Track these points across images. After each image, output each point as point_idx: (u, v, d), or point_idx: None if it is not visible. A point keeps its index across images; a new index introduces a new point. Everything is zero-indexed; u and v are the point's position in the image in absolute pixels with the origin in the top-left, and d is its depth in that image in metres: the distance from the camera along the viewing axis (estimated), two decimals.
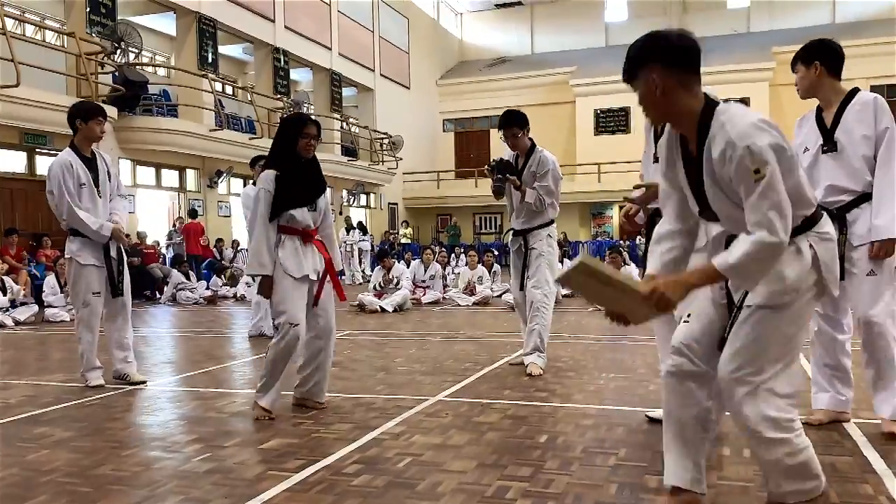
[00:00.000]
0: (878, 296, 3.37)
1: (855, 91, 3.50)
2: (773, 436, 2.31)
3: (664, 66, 2.26)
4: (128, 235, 5.66)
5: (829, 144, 3.49)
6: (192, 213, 16.25)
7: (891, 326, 3.36)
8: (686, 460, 2.48)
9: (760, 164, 2.15)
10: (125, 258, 5.32)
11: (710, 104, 2.30)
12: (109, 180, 5.19)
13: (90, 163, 5.10)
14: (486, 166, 5.56)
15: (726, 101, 2.36)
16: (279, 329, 4.08)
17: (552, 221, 5.52)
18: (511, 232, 5.65)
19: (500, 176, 5.35)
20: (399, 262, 12.76)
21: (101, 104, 5.61)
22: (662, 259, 2.51)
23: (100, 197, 5.09)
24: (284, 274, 4.09)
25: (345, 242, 19.54)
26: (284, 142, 4.18)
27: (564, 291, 11.54)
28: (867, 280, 3.38)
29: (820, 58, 3.50)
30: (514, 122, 5.33)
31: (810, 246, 2.32)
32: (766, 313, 2.31)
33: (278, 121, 19.94)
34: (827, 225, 2.39)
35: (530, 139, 5.45)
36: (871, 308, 3.35)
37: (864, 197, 3.41)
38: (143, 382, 5.15)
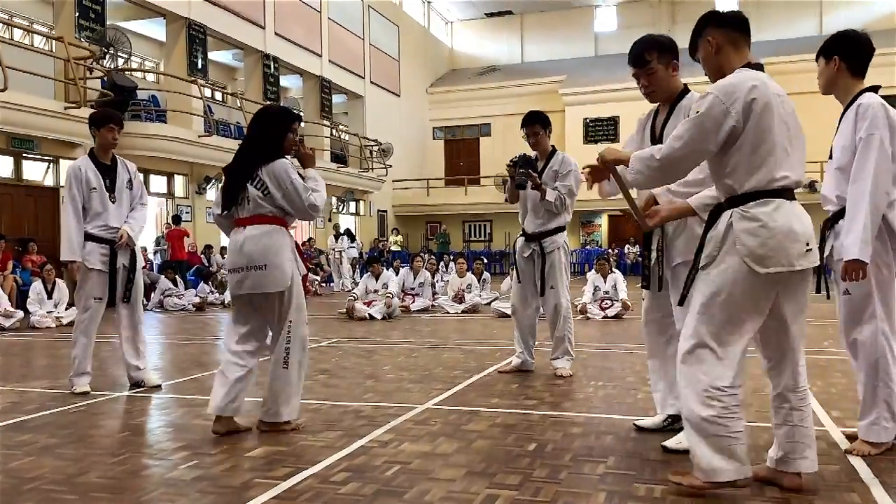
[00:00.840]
0: (857, 316, 3.20)
1: (861, 93, 3.21)
2: (698, 402, 2.63)
3: (716, 26, 2.80)
4: (144, 249, 5.73)
5: (831, 151, 3.31)
6: (176, 220, 16.12)
7: (875, 347, 3.16)
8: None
9: (699, 108, 2.63)
10: (137, 266, 5.32)
11: (747, 65, 2.74)
12: (130, 189, 5.28)
13: (107, 169, 5.18)
14: (508, 162, 5.38)
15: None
16: (305, 336, 3.93)
17: (565, 227, 5.54)
18: (522, 237, 5.60)
19: (522, 170, 5.24)
20: (388, 269, 12.74)
21: (104, 110, 5.60)
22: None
23: (112, 203, 5.15)
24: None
25: (332, 249, 19.51)
26: (273, 134, 3.88)
27: None
28: (841, 299, 3.24)
29: (840, 52, 3.24)
30: (537, 119, 5.40)
31: (730, 224, 2.65)
32: (698, 276, 2.74)
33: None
34: (761, 208, 2.61)
35: (552, 146, 5.51)
36: (852, 329, 3.22)
37: (844, 211, 3.19)
38: (159, 386, 5.22)
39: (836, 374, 5.35)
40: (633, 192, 3.25)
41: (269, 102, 19.72)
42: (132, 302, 5.26)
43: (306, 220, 3.95)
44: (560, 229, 5.49)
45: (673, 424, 3.64)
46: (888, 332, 3.19)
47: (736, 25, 2.79)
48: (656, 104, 3.57)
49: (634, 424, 3.82)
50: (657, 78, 3.41)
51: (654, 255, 3.51)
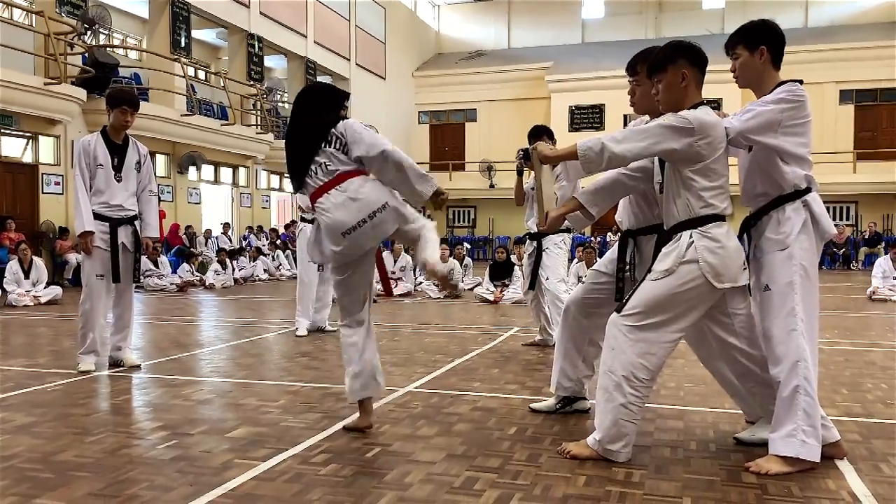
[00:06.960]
0: (772, 313, 2.94)
1: (784, 82, 2.99)
2: (614, 383, 2.96)
3: (691, 62, 3.02)
4: (155, 249, 5.72)
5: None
6: None
7: (785, 348, 2.89)
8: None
9: (667, 118, 2.93)
10: (140, 245, 5.32)
11: (700, 102, 3.04)
12: (138, 171, 5.30)
13: (117, 148, 5.20)
14: (517, 154, 5.67)
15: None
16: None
17: (569, 229, 5.68)
18: (527, 235, 6.01)
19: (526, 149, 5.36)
20: None
21: (102, 90, 5.56)
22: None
23: (117, 181, 5.17)
24: None
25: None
26: (336, 108, 3.54)
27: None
28: (763, 295, 2.99)
29: (767, 42, 2.99)
30: (544, 132, 5.51)
31: (692, 242, 2.91)
32: (650, 278, 2.98)
33: (251, 107, 19.73)
34: (718, 230, 2.92)
35: None
36: (765, 327, 2.98)
37: (777, 202, 2.97)
38: (139, 366, 5.22)
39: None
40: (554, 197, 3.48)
41: (252, 83, 19.58)
42: (126, 282, 5.26)
43: (376, 164, 3.39)
44: (563, 229, 5.58)
45: (565, 406, 3.82)
46: (805, 330, 2.91)
47: (704, 68, 3.06)
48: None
49: (530, 407, 3.93)
50: (640, 90, 3.40)
51: (628, 268, 3.44)
